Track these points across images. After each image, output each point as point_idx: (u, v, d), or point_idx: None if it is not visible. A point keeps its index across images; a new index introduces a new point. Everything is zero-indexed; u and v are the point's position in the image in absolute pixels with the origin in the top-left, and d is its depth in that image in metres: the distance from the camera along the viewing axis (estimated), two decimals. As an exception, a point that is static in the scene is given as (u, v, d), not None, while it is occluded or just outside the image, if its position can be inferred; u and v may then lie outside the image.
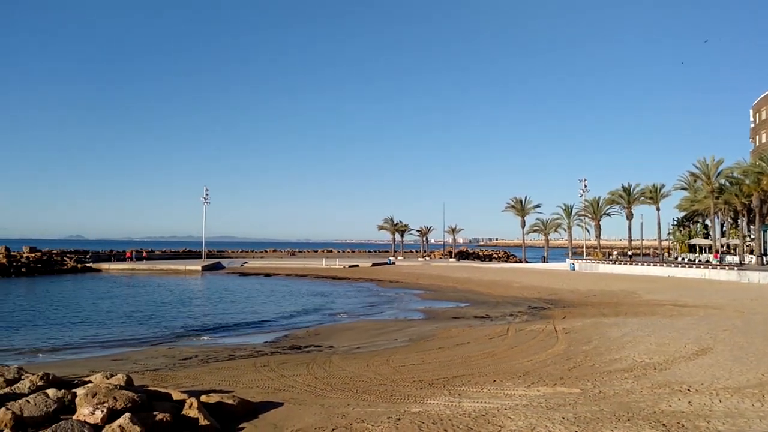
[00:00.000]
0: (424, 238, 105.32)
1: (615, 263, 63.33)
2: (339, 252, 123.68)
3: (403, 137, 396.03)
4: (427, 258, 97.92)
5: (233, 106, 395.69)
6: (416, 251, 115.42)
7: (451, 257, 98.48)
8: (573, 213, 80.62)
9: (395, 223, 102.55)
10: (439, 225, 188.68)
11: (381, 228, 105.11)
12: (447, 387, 12.80)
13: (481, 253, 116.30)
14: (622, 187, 71.79)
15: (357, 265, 77.18)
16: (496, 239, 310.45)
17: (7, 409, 8.36)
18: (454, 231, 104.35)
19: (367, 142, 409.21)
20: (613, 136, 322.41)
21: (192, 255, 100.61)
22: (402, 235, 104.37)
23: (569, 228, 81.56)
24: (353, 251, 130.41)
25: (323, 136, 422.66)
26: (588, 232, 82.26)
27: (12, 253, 67.99)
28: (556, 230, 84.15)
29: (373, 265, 78.90)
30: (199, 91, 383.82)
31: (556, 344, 18.91)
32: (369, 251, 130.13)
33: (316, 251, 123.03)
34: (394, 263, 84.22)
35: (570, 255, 77.75)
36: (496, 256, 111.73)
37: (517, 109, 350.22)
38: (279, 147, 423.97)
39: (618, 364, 15.16)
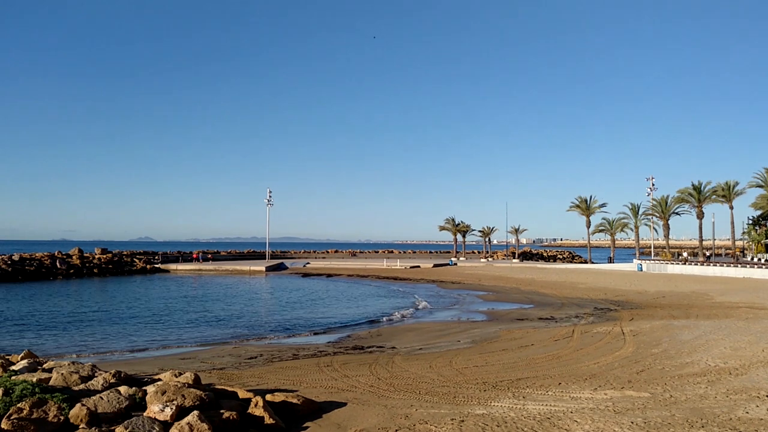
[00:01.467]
0: (487, 239, 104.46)
1: (685, 264, 61.28)
2: (400, 253, 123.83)
3: (466, 137, 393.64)
4: (490, 259, 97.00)
5: (295, 109, 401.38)
6: (478, 252, 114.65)
7: (514, 258, 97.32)
8: (640, 212, 78.55)
9: (457, 223, 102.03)
10: (501, 225, 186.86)
11: (442, 228, 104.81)
12: (511, 389, 12.63)
13: (545, 254, 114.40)
14: (692, 185, 69.53)
15: (418, 266, 77.07)
16: (561, 239, 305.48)
17: (83, 405, 8.67)
18: (517, 231, 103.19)
19: (429, 142, 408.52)
20: (682, 133, 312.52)
21: (256, 256, 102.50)
22: (464, 236, 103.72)
23: (636, 228, 79.53)
24: (414, 252, 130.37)
25: (384, 138, 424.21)
26: (656, 231, 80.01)
27: (85, 255, 70.89)
28: (622, 230, 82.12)
29: (435, 266, 78.66)
30: (263, 95, 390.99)
31: (623, 347, 18.41)
32: (430, 252, 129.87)
33: (377, 252, 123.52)
34: (455, 264, 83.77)
35: (637, 255, 75.77)
36: (561, 257, 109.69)
37: (582, 108, 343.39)
38: (340, 149, 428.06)
39: (690, 368, 14.65)
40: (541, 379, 13.77)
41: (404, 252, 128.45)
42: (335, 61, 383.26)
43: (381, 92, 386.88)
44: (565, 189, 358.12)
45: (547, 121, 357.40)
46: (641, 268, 62.06)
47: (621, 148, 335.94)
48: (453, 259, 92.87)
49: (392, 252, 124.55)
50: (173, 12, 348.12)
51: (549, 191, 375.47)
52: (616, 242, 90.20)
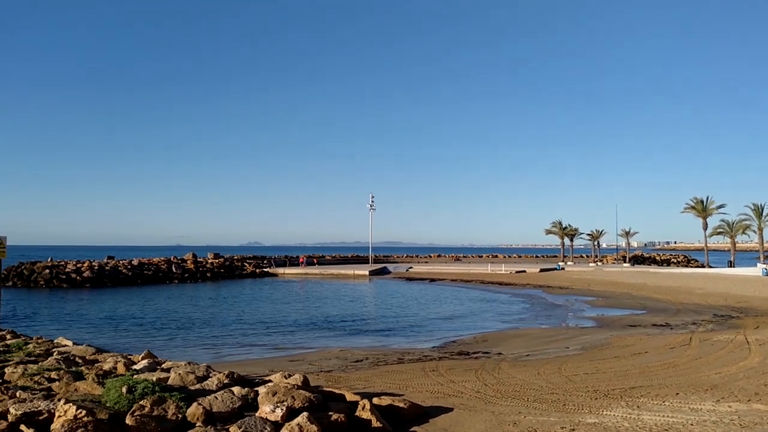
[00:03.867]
0: (595, 243, 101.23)
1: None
2: (505, 257, 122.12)
3: (571, 139, 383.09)
4: (599, 263, 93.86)
5: (397, 114, 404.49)
6: (587, 256, 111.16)
7: (624, 262, 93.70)
8: (764, 213, 73.55)
9: (564, 227, 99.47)
10: (611, 228, 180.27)
11: (549, 232, 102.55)
12: (624, 398, 12.10)
13: (657, 258, 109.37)
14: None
15: (524, 271, 75.63)
16: (674, 242, 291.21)
17: (199, 404, 9.04)
18: (627, 234, 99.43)
19: (533, 144, 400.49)
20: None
21: (360, 260, 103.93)
22: (571, 240, 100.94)
23: (760, 230, 74.48)
24: (519, 256, 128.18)
25: (487, 140, 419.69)
26: (784, 233, 74.63)
27: (198, 260, 74.36)
28: (743, 232, 77.30)
29: (541, 270, 76.92)
30: (366, 99, 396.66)
31: (748, 356, 17.25)
32: (536, 256, 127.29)
33: (481, 256, 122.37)
34: (563, 269, 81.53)
35: (762, 259, 70.96)
36: (675, 261, 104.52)
37: (700, 105, 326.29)
38: (442, 152, 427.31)
39: (825, 380, 13.52)
40: (657, 388, 13.12)
41: (509, 256, 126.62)
42: (435, 64, 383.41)
43: (485, 94, 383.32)
44: (679, 190, 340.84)
45: (660, 119, 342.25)
46: (767, 272, 58.09)
47: (741, 144, 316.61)
48: (560, 263, 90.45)
49: (497, 257, 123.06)
50: (272, 13, 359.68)
51: (661, 192, 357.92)
52: (737, 245, 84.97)
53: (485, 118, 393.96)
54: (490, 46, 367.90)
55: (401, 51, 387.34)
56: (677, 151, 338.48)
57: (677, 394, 12.43)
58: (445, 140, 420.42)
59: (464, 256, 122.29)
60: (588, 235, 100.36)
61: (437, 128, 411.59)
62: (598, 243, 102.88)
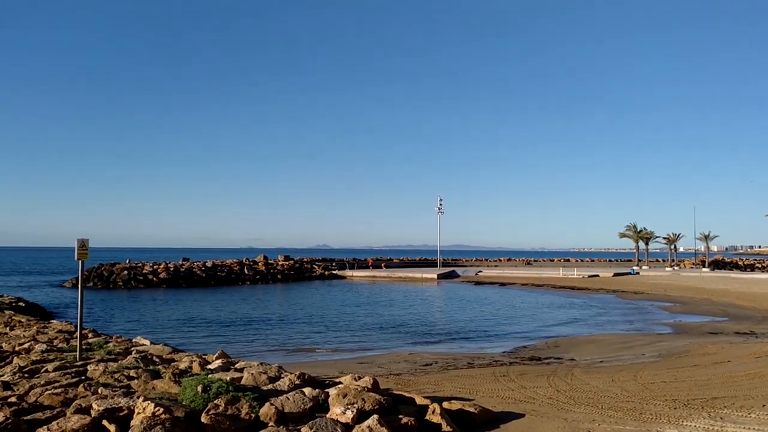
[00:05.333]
0: (672, 246, 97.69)
1: None
2: (577, 261, 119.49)
3: (647, 138, 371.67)
4: (676, 267, 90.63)
5: (468, 117, 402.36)
6: (663, 260, 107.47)
7: (703, 267, 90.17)
8: None
9: (638, 230, 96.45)
10: (689, 232, 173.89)
11: (622, 236, 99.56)
12: (706, 408, 11.59)
13: (740, 262, 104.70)
14: None
15: (597, 275, 73.79)
16: (758, 247, 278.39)
17: (271, 404, 9.17)
18: (706, 238, 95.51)
19: (606, 144, 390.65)
20: None
21: (428, 263, 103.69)
22: (646, 243, 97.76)
23: None
24: (592, 260, 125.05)
25: (559, 142, 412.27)
26: None
27: (269, 261, 75.97)
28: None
29: (615, 275, 74.84)
30: (437, 101, 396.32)
31: (842, 367, 16.28)
32: (609, 260, 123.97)
33: (552, 260, 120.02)
34: (638, 273, 79.09)
35: None
36: (760, 266, 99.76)
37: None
38: (512, 154, 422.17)
39: None
40: (741, 399, 12.50)
41: (581, 260, 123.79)
42: (503, 67, 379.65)
43: (556, 96, 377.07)
44: (763, 191, 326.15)
45: (741, 116, 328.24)
46: None
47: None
48: (635, 267, 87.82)
49: (569, 260, 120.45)
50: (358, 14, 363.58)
51: (743, 194, 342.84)
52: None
53: (557, 120, 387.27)
54: (572, 46, 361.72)
55: (467, 53, 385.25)
56: (762, 150, 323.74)
57: (764, 405, 11.81)
58: (516, 142, 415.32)
59: (535, 260, 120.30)
60: (664, 238, 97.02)
61: (508, 130, 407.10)
62: (675, 247, 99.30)
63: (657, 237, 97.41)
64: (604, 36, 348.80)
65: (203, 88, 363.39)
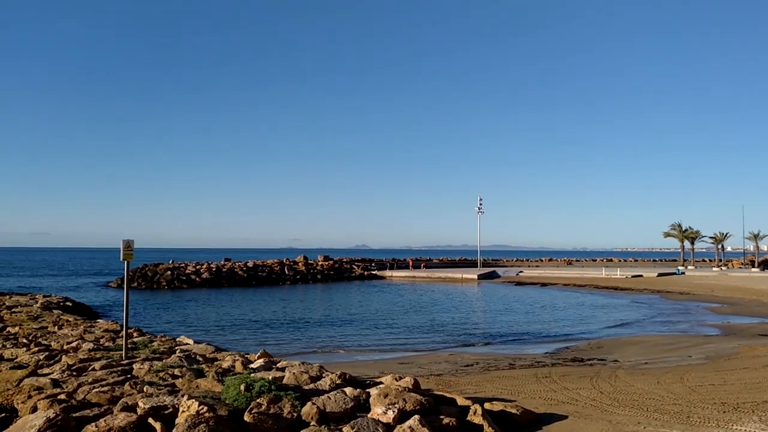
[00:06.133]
0: (719, 246, 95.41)
1: None
2: (620, 261, 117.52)
3: (691, 134, 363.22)
4: (723, 268, 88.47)
5: (508, 116, 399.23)
6: (709, 260, 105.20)
7: (753, 267, 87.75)
8: None
9: (684, 229, 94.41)
10: (737, 231, 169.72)
11: (667, 235, 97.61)
12: (756, 412, 11.26)
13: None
14: None
15: (641, 275, 72.44)
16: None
17: (313, 404, 9.22)
18: (756, 237, 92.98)
19: (649, 140, 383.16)
20: None
21: (467, 264, 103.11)
22: (692, 243, 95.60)
23: None
24: (635, 260, 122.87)
25: (599, 140, 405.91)
26: None
27: (309, 262, 76.57)
28: None
29: (659, 275, 73.35)
30: (479, 99, 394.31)
31: None
32: (653, 260, 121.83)
33: (595, 260, 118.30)
34: (683, 273, 77.38)
35: None
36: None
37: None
38: (551, 153, 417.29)
39: None
40: (794, 402, 12.14)
41: (624, 260, 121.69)
42: (541, 64, 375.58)
43: (597, 94, 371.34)
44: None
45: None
46: None
47: None
48: (680, 267, 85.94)
49: (611, 260, 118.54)
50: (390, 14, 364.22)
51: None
52: None
53: (600, 118, 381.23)
54: (612, 43, 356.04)
55: (504, 51, 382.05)
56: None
57: (817, 409, 11.45)
58: (557, 140, 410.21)
59: (577, 260, 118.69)
60: (711, 238, 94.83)
61: (549, 130, 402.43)
62: (723, 246, 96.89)
63: (703, 236, 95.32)
64: (647, 33, 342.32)
65: (244, 87, 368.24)
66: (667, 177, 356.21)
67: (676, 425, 10.34)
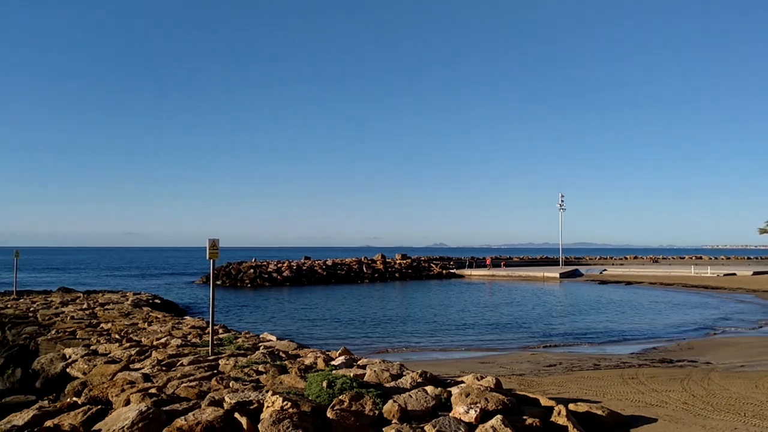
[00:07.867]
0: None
1: None
2: (710, 259, 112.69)
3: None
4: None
5: (592, 113, 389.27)
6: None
7: None
8: None
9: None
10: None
11: (763, 231, 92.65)
12: None
13: None
14: None
15: (734, 274, 69.12)
16: None
17: (394, 402, 9.23)
18: None
19: (740, 132, 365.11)
20: None
21: (549, 262, 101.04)
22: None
23: None
24: (727, 258, 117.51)
25: (687, 135, 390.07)
26: None
27: (387, 260, 76.77)
28: None
29: (755, 273, 69.78)
30: (562, 97, 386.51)
31: None
32: (747, 258, 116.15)
33: (683, 258, 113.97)
34: (781, 271, 73.42)
35: None
36: None
37: None
38: (637, 149, 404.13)
39: None
40: None
41: (715, 258, 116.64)
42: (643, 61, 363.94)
43: (679, 94, 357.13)
44: None
45: None
46: None
47: None
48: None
49: (701, 258, 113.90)
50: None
51: None
52: None
53: (689, 112, 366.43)
54: (686, 47, 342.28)
55: (582, 46, 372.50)
56: None
57: None
58: (643, 136, 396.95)
59: (663, 258, 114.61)
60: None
61: (632, 127, 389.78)
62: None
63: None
64: (730, 30, 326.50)
65: (321, 81, 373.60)
66: (762, 170, 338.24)
67: (777, 432, 9.79)
